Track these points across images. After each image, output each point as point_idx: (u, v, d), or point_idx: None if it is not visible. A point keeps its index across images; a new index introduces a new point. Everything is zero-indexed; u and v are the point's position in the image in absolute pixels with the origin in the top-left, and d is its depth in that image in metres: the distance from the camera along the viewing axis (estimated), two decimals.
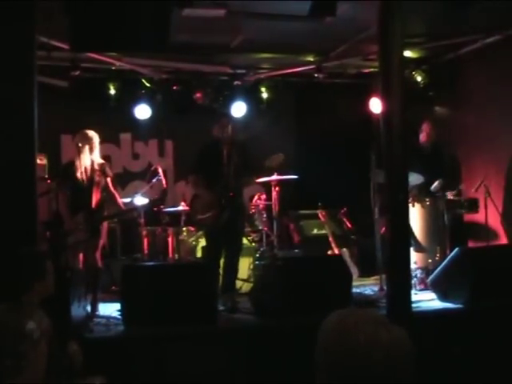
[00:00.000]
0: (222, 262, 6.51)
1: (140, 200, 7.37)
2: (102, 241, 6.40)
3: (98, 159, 6.44)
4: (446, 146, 7.87)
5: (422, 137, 7.67)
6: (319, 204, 8.20)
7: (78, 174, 6.22)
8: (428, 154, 7.64)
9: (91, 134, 6.39)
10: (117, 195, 6.56)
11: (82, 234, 6.04)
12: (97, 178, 6.30)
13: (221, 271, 6.43)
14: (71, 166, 6.34)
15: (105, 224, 6.46)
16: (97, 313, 5.98)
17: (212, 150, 6.58)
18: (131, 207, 7.04)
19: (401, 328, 1.55)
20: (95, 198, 6.27)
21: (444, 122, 8.71)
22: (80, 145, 6.26)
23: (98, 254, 6.29)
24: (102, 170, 6.39)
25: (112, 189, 6.49)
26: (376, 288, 6.94)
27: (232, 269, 6.54)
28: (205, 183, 6.52)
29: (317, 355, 1.57)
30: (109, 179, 6.45)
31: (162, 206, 7.84)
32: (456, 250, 6.15)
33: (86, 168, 6.25)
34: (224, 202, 6.37)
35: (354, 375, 1.49)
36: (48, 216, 6.56)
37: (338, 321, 1.57)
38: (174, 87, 8.89)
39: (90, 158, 6.29)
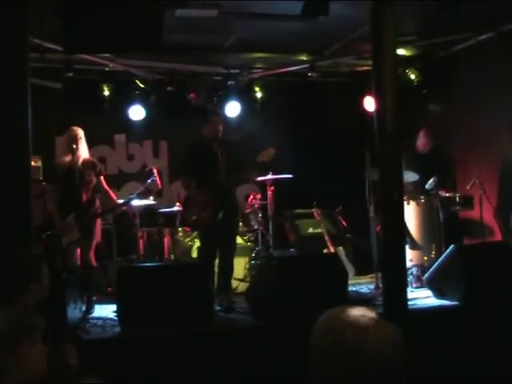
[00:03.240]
0: (217, 262, 6.52)
1: (135, 201, 7.35)
2: (96, 240, 6.41)
3: (86, 155, 6.44)
4: (443, 146, 7.90)
5: (420, 145, 7.71)
6: (314, 203, 8.19)
7: (66, 174, 6.20)
8: (424, 154, 7.67)
9: (77, 129, 6.38)
10: (111, 192, 6.57)
11: (75, 235, 6.06)
12: (87, 178, 6.29)
13: (216, 271, 6.44)
14: (57, 167, 6.34)
15: (98, 224, 6.46)
16: (92, 312, 5.99)
17: (201, 149, 6.55)
18: (123, 203, 7.02)
19: (392, 324, 1.55)
20: (85, 197, 6.26)
21: (437, 119, 8.74)
22: (68, 142, 6.27)
23: (91, 254, 6.32)
24: (94, 168, 6.39)
25: (106, 186, 6.50)
26: (372, 286, 6.95)
27: (227, 269, 6.53)
28: (196, 184, 6.50)
29: (310, 354, 1.57)
30: (102, 177, 6.46)
31: (151, 198, 7.77)
32: (451, 247, 6.17)
33: (73, 167, 6.21)
34: (218, 202, 6.36)
35: (344, 372, 1.48)
36: (43, 218, 6.56)
37: (327, 319, 1.57)
38: (168, 88, 8.88)
39: (77, 155, 6.28)
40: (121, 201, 7.16)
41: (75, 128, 6.39)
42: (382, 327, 1.53)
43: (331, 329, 1.53)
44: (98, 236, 6.46)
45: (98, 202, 6.48)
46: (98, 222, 6.53)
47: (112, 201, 6.58)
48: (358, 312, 1.57)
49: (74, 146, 6.23)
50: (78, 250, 6.21)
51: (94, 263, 6.41)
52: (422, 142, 7.73)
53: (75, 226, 6.07)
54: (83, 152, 6.37)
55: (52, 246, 5.41)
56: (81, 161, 6.30)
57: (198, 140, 6.69)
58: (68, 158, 6.27)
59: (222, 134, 6.58)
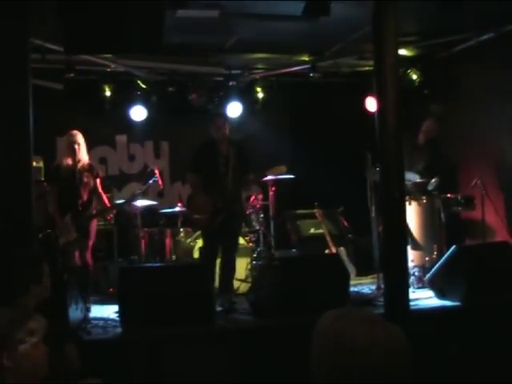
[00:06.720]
0: (218, 262, 6.52)
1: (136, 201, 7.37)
2: (92, 241, 6.47)
3: (85, 159, 6.53)
4: (443, 145, 7.89)
5: (421, 136, 7.69)
6: (316, 203, 8.19)
7: (67, 176, 6.30)
8: (425, 153, 7.66)
9: (76, 134, 6.49)
10: (104, 196, 6.67)
11: (71, 235, 6.14)
12: (85, 180, 6.41)
13: (218, 271, 6.44)
14: (59, 168, 6.45)
15: (93, 224, 6.52)
16: (89, 313, 5.98)
17: (209, 150, 6.52)
18: (121, 203, 7.11)
19: (395, 325, 1.55)
20: (83, 199, 6.35)
21: (439, 119, 8.72)
22: (68, 146, 6.36)
23: (88, 254, 6.39)
24: (92, 171, 6.51)
25: (100, 189, 6.60)
26: (373, 287, 6.94)
27: (229, 269, 6.52)
28: (202, 184, 6.48)
29: (312, 356, 1.56)
30: (98, 180, 6.57)
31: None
32: (453, 247, 6.16)
33: (74, 169, 6.31)
34: (220, 207, 6.34)
35: (355, 374, 1.48)
36: (44, 219, 6.58)
37: (332, 321, 1.56)
38: (169, 88, 8.88)
39: (77, 158, 6.37)
40: (120, 201, 7.25)
41: (75, 132, 6.51)
42: (389, 329, 1.53)
43: (338, 332, 1.53)
44: (93, 237, 6.53)
45: (94, 203, 6.59)
46: (94, 222, 6.64)
47: (104, 204, 6.71)
48: (362, 314, 1.57)
49: (74, 149, 6.35)
50: (77, 251, 6.28)
51: (91, 263, 6.48)
52: (423, 133, 7.72)
53: (72, 226, 6.18)
54: (83, 155, 6.50)
55: (50, 245, 5.43)
56: (80, 164, 6.43)
57: (207, 139, 6.62)
58: (68, 161, 6.41)
59: (229, 135, 6.56)
